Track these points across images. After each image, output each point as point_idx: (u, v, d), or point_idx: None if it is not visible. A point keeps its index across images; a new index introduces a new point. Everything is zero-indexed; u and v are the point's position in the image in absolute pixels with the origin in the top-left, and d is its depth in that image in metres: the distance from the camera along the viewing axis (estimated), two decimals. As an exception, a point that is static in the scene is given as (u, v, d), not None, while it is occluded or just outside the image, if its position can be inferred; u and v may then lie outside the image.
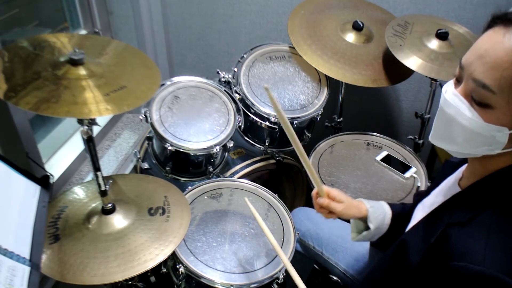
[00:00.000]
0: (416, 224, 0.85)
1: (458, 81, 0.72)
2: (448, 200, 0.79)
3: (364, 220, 1.05)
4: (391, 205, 1.07)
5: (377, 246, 1.14)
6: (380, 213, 1.03)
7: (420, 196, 0.97)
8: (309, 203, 1.71)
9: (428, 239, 0.74)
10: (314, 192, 1.03)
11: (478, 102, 0.67)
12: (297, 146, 0.88)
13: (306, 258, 1.36)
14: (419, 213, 0.92)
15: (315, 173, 0.97)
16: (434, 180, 0.96)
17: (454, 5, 1.71)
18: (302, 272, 1.42)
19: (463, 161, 0.87)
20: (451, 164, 0.91)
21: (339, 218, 1.04)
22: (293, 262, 1.14)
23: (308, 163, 0.94)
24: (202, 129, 1.35)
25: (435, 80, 1.46)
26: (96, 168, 0.95)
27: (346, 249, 1.25)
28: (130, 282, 1.19)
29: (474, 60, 0.67)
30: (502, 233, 0.66)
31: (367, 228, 1.03)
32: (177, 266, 1.09)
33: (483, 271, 0.62)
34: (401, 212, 1.05)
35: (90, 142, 0.90)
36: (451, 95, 0.71)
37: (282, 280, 1.11)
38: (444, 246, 0.70)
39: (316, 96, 1.54)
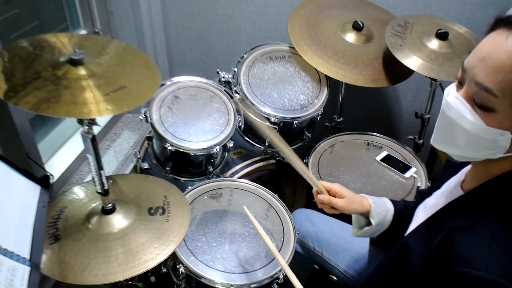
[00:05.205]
0: (417, 226, 0.85)
1: (460, 84, 0.72)
2: (450, 203, 0.79)
3: (366, 215, 1.05)
4: (393, 202, 1.07)
5: (377, 244, 1.14)
6: (382, 209, 1.03)
7: (422, 195, 0.97)
8: (309, 203, 1.72)
9: (430, 243, 0.74)
10: (314, 190, 1.04)
11: (480, 105, 0.66)
12: (288, 152, 0.90)
13: (306, 259, 1.36)
14: (421, 214, 0.91)
15: (309, 173, 0.97)
16: (436, 180, 0.96)
17: (454, 5, 1.71)
18: (302, 273, 1.43)
19: (466, 162, 0.86)
20: (453, 165, 0.90)
21: (342, 214, 1.04)
22: (293, 263, 1.14)
23: (300, 164, 0.94)
24: (202, 129, 1.35)
25: (435, 80, 1.46)
26: (100, 167, 0.95)
27: (346, 250, 1.25)
28: (130, 282, 1.20)
29: (477, 63, 0.66)
30: (505, 238, 0.66)
31: (369, 223, 1.04)
32: (177, 266, 1.09)
33: (486, 277, 0.62)
34: (403, 210, 1.05)
35: (94, 141, 0.90)
36: (453, 98, 0.70)
37: (282, 280, 1.11)
38: (447, 250, 0.70)
39: (316, 96, 1.54)
